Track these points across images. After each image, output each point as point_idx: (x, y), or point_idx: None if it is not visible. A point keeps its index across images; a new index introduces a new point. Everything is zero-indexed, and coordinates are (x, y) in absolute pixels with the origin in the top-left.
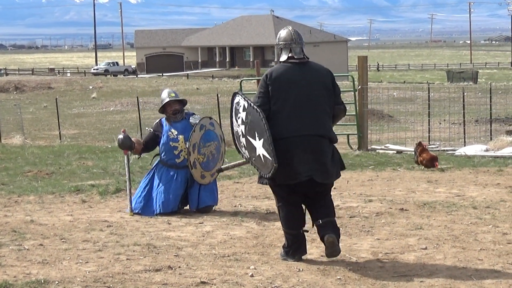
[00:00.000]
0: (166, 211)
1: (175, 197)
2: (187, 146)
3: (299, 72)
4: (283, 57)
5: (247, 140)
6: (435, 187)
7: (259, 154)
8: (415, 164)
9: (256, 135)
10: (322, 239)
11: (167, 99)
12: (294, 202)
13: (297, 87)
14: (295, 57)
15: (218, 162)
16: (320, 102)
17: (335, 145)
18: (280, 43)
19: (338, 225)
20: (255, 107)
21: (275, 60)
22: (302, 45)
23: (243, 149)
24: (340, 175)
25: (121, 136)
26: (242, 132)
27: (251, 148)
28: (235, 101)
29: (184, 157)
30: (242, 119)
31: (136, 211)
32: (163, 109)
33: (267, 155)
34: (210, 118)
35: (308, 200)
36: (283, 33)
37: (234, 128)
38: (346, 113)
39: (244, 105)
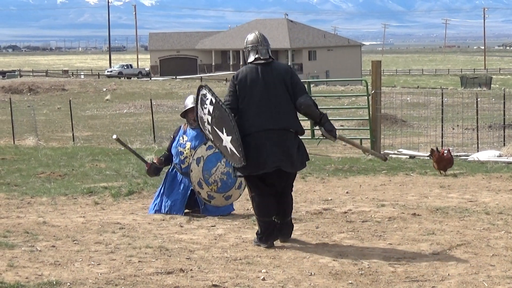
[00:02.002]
0: (168, 213)
1: (175, 202)
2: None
3: (262, 72)
4: (251, 58)
5: (213, 129)
6: (447, 192)
7: (225, 146)
8: (427, 169)
9: (224, 130)
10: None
11: (191, 105)
12: (267, 192)
13: (261, 86)
14: (261, 57)
15: (234, 188)
16: (282, 98)
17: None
18: (248, 46)
19: (293, 222)
20: (224, 107)
21: (289, 63)
22: (267, 47)
23: (207, 132)
24: (305, 165)
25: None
26: (208, 121)
27: (218, 138)
28: (202, 93)
29: (188, 164)
30: (209, 110)
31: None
32: (185, 113)
33: (235, 152)
34: (205, 143)
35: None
36: (250, 36)
37: (199, 114)
38: (362, 115)
39: (211, 100)
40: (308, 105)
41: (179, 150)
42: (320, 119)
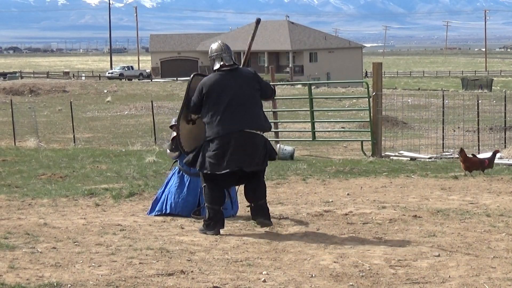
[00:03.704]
0: (172, 213)
1: (183, 202)
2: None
3: (230, 78)
4: (217, 66)
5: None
6: (448, 194)
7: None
8: (428, 171)
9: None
10: (253, 218)
11: None
12: (219, 185)
13: (230, 91)
14: (226, 64)
15: None
16: (252, 101)
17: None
18: (213, 54)
19: (267, 206)
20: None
21: (290, 65)
22: (231, 54)
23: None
24: (267, 164)
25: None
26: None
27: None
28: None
29: None
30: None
31: (157, 214)
32: None
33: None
34: None
35: (242, 180)
36: (214, 45)
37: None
38: (361, 121)
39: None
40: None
41: None
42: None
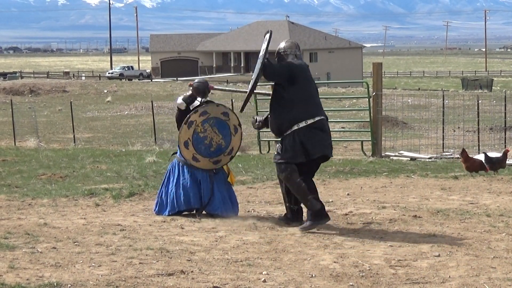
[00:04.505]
0: (180, 210)
1: (186, 197)
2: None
3: (308, 69)
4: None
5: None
6: (448, 194)
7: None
8: (428, 171)
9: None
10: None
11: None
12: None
13: (311, 80)
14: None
15: (224, 154)
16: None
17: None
18: (287, 50)
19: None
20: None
21: None
22: (301, 53)
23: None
24: None
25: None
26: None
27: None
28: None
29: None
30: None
31: (157, 212)
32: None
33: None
34: (225, 106)
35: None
36: (286, 43)
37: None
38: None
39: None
40: None
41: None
42: None
